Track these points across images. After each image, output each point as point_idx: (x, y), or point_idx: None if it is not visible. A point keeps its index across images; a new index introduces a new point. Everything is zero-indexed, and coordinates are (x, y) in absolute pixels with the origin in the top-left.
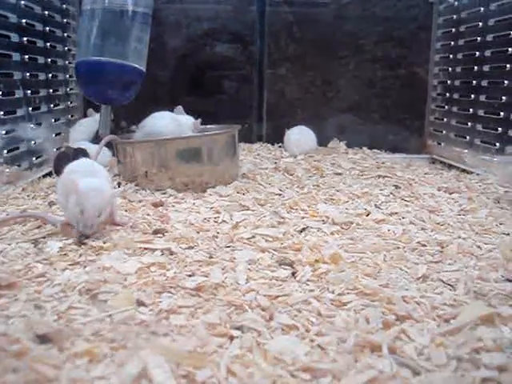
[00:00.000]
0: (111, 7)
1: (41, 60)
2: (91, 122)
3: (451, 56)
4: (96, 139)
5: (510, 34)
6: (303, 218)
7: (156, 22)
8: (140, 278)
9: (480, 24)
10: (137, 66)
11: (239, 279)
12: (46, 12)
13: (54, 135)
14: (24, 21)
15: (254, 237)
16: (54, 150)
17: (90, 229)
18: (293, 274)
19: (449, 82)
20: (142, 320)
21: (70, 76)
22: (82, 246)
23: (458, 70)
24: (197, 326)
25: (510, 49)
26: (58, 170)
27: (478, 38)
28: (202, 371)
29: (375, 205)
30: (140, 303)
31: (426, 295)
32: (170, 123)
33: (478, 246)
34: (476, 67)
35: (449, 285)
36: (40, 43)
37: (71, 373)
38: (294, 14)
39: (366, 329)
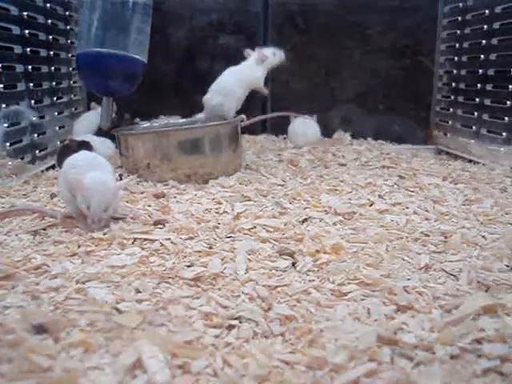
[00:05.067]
0: None
1: (43, 53)
2: (95, 115)
3: (457, 45)
4: (99, 132)
5: None
6: (305, 208)
7: (160, 14)
8: (139, 268)
9: (487, 12)
10: (138, 57)
11: (238, 269)
12: (48, 4)
13: (57, 128)
14: (26, 13)
15: (254, 227)
16: (58, 142)
17: (98, 224)
18: (293, 264)
19: (455, 71)
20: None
21: (73, 69)
22: (82, 237)
23: (464, 59)
24: (194, 316)
25: None
26: (61, 163)
27: (485, 26)
28: (198, 361)
29: (379, 195)
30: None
31: (429, 285)
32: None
33: (483, 236)
34: (483, 56)
35: (452, 275)
36: (42, 36)
37: (65, 363)
38: (298, 4)
39: (367, 319)
